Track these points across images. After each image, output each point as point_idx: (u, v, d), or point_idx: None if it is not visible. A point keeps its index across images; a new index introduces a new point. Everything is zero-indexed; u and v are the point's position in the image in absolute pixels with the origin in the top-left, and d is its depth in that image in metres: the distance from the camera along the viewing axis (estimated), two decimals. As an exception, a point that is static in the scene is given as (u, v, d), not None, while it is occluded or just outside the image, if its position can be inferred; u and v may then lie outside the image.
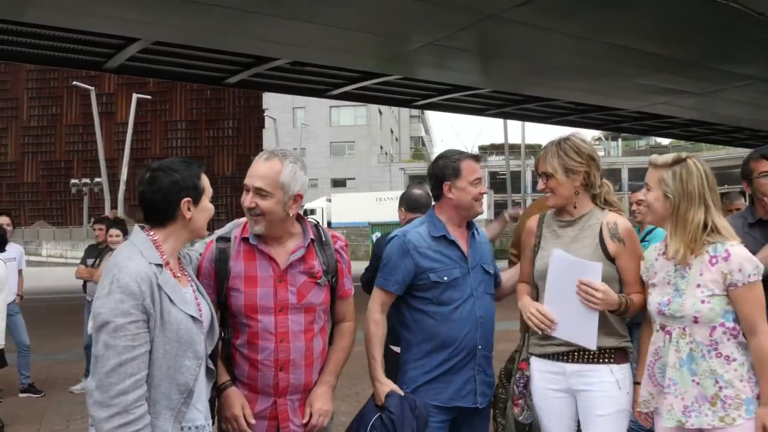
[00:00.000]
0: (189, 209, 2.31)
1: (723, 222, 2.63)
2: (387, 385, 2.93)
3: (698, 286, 2.58)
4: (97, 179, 37.26)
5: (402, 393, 2.92)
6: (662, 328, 2.68)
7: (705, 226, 2.60)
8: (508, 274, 3.32)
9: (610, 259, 2.85)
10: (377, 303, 3.03)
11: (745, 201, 6.48)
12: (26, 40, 10.77)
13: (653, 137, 37.25)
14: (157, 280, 2.18)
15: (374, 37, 9.93)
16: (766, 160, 3.08)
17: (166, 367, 2.17)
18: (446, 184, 3.04)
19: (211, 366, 2.43)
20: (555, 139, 2.96)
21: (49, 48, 11.22)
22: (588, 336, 2.80)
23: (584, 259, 2.82)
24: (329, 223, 41.13)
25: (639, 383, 2.80)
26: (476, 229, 3.16)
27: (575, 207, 2.93)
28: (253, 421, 2.57)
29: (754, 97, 13.84)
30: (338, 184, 52.90)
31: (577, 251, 2.85)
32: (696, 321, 2.57)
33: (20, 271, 7.07)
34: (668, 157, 2.70)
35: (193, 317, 2.24)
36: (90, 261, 7.17)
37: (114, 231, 6.90)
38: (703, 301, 2.56)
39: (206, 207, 2.37)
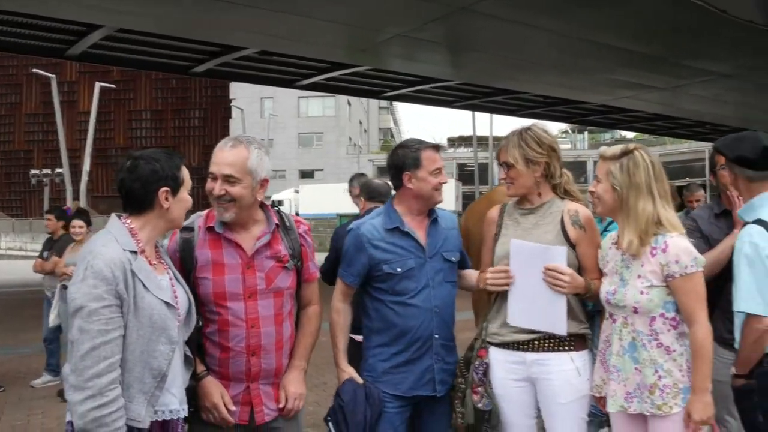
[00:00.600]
0: (167, 199, 2.37)
1: (668, 213, 2.69)
2: (346, 373, 3.01)
3: (639, 276, 2.65)
4: (59, 170, 36.54)
5: (360, 381, 2.99)
6: (610, 316, 2.78)
7: (653, 217, 2.67)
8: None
9: (572, 245, 2.91)
10: (339, 293, 3.12)
11: (705, 193, 6.64)
12: (-16, 26, 10.47)
13: (618, 131, 37.77)
14: (131, 266, 2.23)
15: (344, 28, 9.85)
16: (719, 153, 3.13)
17: (140, 352, 2.23)
18: (406, 174, 3.05)
19: (189, 353, 2.49)
20: (516, 129, 3.02)
21: (8, 34, 10.92)
22: (557, 322, 2.84)
23: (547, 244, 2.86)
24: (297, 215, 40.93)
25: None
26: (438, 216, 3.15)
27: (539, 195, 2.98)
28: (233, 408, 2.61)
29: (717, 92, 14.07)
30: (306, 175, 52.69)
31: (539, 237, 2.90)
32: (636, 311, 2.65)
33: None
34: (616, 149, 2.79)
35: (167, 303, 2.29)
36: (46, 254, 7.04)
37: (77, 222, 6.79)
38: (642, 292, 2.63)
39: (184, 198, 2.43)
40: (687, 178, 29.76)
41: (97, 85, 33.46)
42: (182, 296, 2.43)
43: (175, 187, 2.39)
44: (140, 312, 2.23)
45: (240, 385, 2.67)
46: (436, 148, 3.11)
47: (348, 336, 3.14)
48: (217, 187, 2.61)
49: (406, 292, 3.01)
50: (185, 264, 2.65)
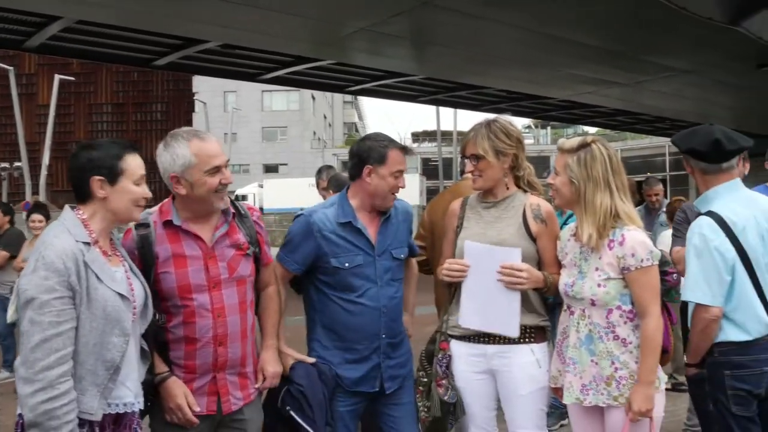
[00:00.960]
0: (102, 188, 2.31)
1: (625, 207, 2.73)
2: (291, 356, 2.96)
3: (596, 269, 2.69)
4: (17, 163, 35.71)
5: (309, 360, 2.97)
6: (568, 308, 2.81)
7: (611, 210, 2.70)
8: None
9: (533, 239, 2.93)
10: (279, 277, 3.04)
11: (663, 187, 6.77)
12: (-63, 16, 10.17)
13: (581, 126, 38.19)
14: (83, 257, 2.20)
15: (308, 21, 9.78)
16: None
17: (93, 344, 2.20)
18: (368, 167, 3.01)
19: (145, 347, 2.47)
20: (482, 122, 3.01)
21: (-37, 25, 10.64)
22: (510, 323, 2.85)
23: (509, 237, 2.87)
24: (261, 209, 40.69)
25: None
26: (391, 211, 3.11)
27: (507, 188, 2.99)
28: (197, 409, 2.60)
29: (677, 88, 14.29)
30: (270, 169, 52.28)
31: (501, 231, 2.92)
32: (593, 303, 2.68)
33: None
34: (574, 141, 2.80)
35: (121, 295, 2.27)
36: None
37: (36, 216, 6.72)
38: (599, 285, 2.67)
39: (125, 189, 2.35)
40: (648, 173, 30.22)
41: (57, 77, 32.78)
42: (138, 289, 2.42)
43: (111, 176, 2.33)
44: (93, 304, 2.20)
45: (207, 375, 2.67)
46: (404, 150, 3.07)
47: (284, 319, 3.10)
48: (228, 176, 2.66)
49: (353, 289, 2.98)
50: (145, 260, 2.63)
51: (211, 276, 2.67)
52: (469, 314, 2.91)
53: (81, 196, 2.36)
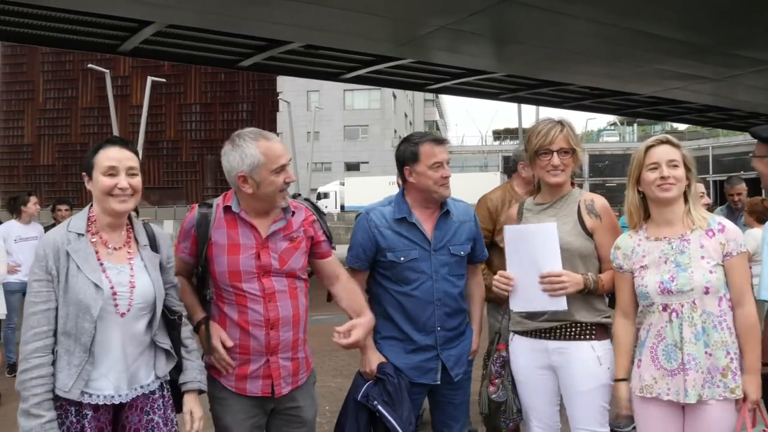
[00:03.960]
0: (87, 184, 2.51)
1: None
2: (377, 355, 3.06)
3: (702, 257, 2.63)
4: (112, 162, 37.36)
5: (383, 359, 3.06)
6: (664, 308, 2.67)
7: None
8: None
9: (589, 234, 2.91)
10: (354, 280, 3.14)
11: (747, 187, 6.48)
12: (41, 23, 10.80)
13: (669, 122, 36.95)
14: (67, 246, 2.39)
15: (388, 21, 9.90)
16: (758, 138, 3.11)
17: (70, 326, 2.37)
18: (406, 168, 3.11)
19: (165, 346, 2.56)
20: (555, 119, 3.02)
21: (64, 31, 11.26)
22: (557, 299, 2.82)
23: (565, 235, 2.86)
24: (342, 207, 41.18)
25: (622, 380, 2.78)
26: (450, 209, 3.16)
27: (572, 185, 3.01)
28: (230, 343, 2.72)
29: (772, 82, 13.70)
30: (351, 167, 52.86)
31: (558, 229, 2.89)
32: (707, 291, 2.60)
33: None
34: (670, 136, 2.80)
35: (95, 284, 2.38)
36: None
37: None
38: (711, 272, 2.61)
39: (96, 179, 2.47)
40: (741, 171, 28.96)
41: (149, 79, 34.11)
42: (144, 285, 2.50)
43: (89, 171, 2.49)
44: (69, 290, 2.37)
45: (260, 358, 2.76)
46: (438, 141, 3.11)
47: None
48: (291, 174, 2.79)
49: (408, 282, 3.07)
50: (199, 239, 2.78)
51: (262, 264, 2.74)
52: (518, 299, 2.91)
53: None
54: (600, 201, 2.96)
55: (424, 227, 3.10)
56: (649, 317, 2.72)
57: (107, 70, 32.76)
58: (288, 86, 48.82)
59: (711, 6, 8.94)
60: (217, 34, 11.41)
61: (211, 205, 2.83)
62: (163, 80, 38.25)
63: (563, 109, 18.88)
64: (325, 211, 39.51)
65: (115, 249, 2.50)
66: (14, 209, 7.17)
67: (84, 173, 2.52)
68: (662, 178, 2.66)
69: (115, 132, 33.53)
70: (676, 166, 2.69)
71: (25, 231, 7.04)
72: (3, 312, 5.90)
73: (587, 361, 2.87)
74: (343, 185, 43.17)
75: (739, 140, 38.70)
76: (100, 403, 2.41)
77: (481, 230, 3.41)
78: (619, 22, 9.62)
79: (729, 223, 2.67)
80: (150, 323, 2.52)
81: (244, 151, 2.69)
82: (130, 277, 2.48)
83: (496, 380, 3.10)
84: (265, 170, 2.69)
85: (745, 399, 2.56)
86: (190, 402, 2.62)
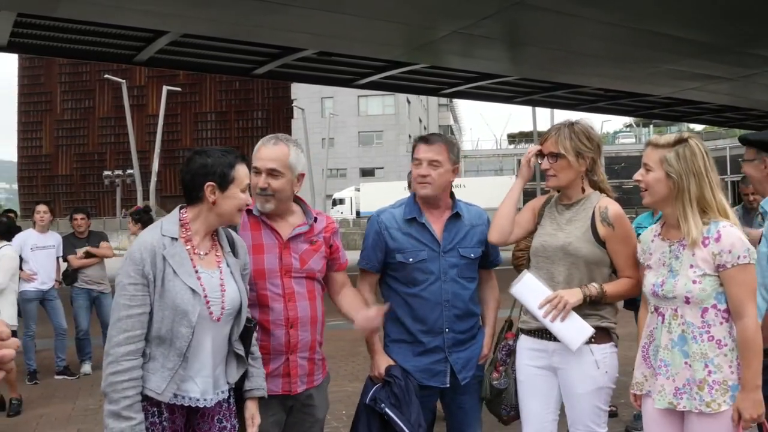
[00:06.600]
0: (213, 193, 2.48)
1: (725, 202, 2.62)
2: (385, 359, 3.10)
3: (691, 266, 2.57)
4: (129, 171, 37.79)
5: (392, 362, 3.08)
6: (656, 309, 2.69)
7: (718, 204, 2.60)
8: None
9: (601, 242, 2.89)
10: (364, 283, 3.22)
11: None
12: (59, 35, 10.96)
13: (685, 123, 36.68)
14: (163, 250, 2.39)
15: (400, 27, 9.93)
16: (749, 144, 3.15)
17: (165, 330, 2.37)
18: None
19: (241, 353, 2.60)
20: (564, 122, 2.99)
21: (81, 42, 11.41)
22: (579, 325, 2.84)
23: (575, 240, 2.89)
24: (358, 213, 41.22)
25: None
26: (462, 211, 3.19)
27: (583, 190, 2.97)
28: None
29: (789, 81, 13.58)
30: (367, 173, 52.94)
31: (569, 234, 2.91)
32: (687, 302, 2.56)
33: (58, 259, 7.32)
34: (670, 137, 2.68)
35: (192, 289, 2.40)
36: (79, 251, 7.34)
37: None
38: (694, 281, 2.55)
39: (234, 195, 2.51)
40: (759, 171, 28.63)
41: (165, 88, 34.44)
42: (232, 292, 2.53)
43: (223, 183, 2.47)
44: (166, 294, 2.37)
45: (280, 357, 2.82)
46: (421, 139, 3.17)
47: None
48: (261, 181, 2.80)
49: (417, 282, 3.08)
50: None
51: (284, 264, 2.82)
52: (563, 339, 2.93)
53: (191, 198, 2.51)
54: (614, 209, 2.91)
55: (433, 228, 3.12)
56: (648, 317, 2.74)
57: (123, 81, 33.10)
58: (302, 93, 49.02)
59: (725, 5, 8.88)
60: (231, 42, 11.50)
61: None
62: (179, 89, 38.59)
63: (578, 111, 18.81)
64: (341, 217, 39.33)
65: (205, 254, 2.53)
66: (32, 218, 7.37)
67: (212, 183, 2.47)
68: (637, 181, 2.68)
69: (132, 141, 33.85)
70: (649, 170, 2.66)
71: (41, 240, 7.17)
72: (14, 322, 5.98)
73: (585, 364, 2.87)
74: (359, 191, 43.22)
75: (757, 140, 38.34)
76: (185, 404, 2.44)
77: None
78: (631, 24, 9.59)
79: (730, 233, 2.54)
80: (233, 329, 2.56)
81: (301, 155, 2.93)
82: (220, 282, 2.51)
83: (501, 367, 3.12)
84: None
85: (740, 417, 2.50)
86: (253, 408, 2.67)
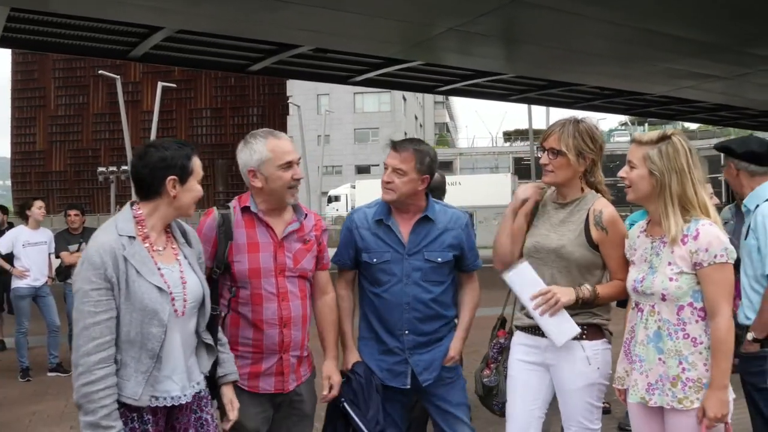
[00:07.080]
0: (174, 187, 2.43)
1: (706, 199, 2.63)
2: (355, 355, 3.18)
3: (669, 264, 2.59)
4: (124, 167, 37.59)
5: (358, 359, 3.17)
6: (636, 305, 2.72)
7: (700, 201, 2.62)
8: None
9: (594, 245, 2.87)
10: (341, 279, 3.29)
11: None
12: (52, 30, 10.86)
13: (680, 122, 36.75)
14: (123, 251, 2.32)
15: (397, 24, 9.90)
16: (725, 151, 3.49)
17: (134, 333, 2.31)
18: None
19: (211, 342, 2.58)
20: (569, 119, 2.95)
21: (75, 37, 11.31)
22: (567, 323, 2.83)
23: (567, 243, 2.87)
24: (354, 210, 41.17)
25: None
26: (433, 215, 3.18)
27: (582, 190, 2.94)
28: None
29: (783, 80, 13.60)
30: (362, 170, 52.94)
31: (562, 236, 2.90)
32: (664, 299, 2.58)
33: (50, 255, 7.28)
34: (653, 134, 2.69)
35: (159, 288, 2.36)
36: (72, 247, 7.29)
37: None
38: (671, 279, 2.57)
39: (193, 188, 2.48)
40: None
41: (160, 84, 34.32)
42: (193, 284, 2.49)
43: (183, 176, 2.44)
44: (132, 296, 2.31)
45: (273, 356, 2.86)
46: (393, 145, 3.20)
47: (352, 319, 3.29)
48: (299, 172, 2.89)
49: (380, 283, 3.14)
50: (223, 239, 2.84)
51: (279, 263, 2.87)
52: (550, 334, 2.91)
53: (148, 193, 2.44)
54: (608, 212, 2.87)
55: (400, 231, 3.15)
56: (630, 312, 2.78)
57: (118, 76, 32.95)
58: (298, 90, 48.98)
59: (722, 4, 8.88)
60: (227, 38, 11.43)
61: (228, 207, 2.94)
62: (174, 85, 38.53)
63: (573, 109, 18.80)
64: (336, 214, 39.43)
65: (163, 248, 2.48)
66: (23, 214, 7.32)
67: (174, 176, 2.43)
68: (622, 178, 2.69)
69: (126, 137, 33.73)
70: (633, 167, 2.66)
71: (33, 236, 7.16)
72: None
73: (577, 361, 2.87)
74: (354, 188, 43.19)
75: (752, 139, 38.49)
76: (168, 405, 2.41)
77: (473, 240, 3.37)
78: (629, 22, 9.58)
79: (708, 232, 2.54)
80: (198, 320, 2.53)
81: (253, 148, 2.86)
82: (180, 276, 2.46)
83: (492, 365, 3.16)
84: (272, 166, 2.83)
85: (704, 414, 2.51)
86: (230, 393, 2.68)
